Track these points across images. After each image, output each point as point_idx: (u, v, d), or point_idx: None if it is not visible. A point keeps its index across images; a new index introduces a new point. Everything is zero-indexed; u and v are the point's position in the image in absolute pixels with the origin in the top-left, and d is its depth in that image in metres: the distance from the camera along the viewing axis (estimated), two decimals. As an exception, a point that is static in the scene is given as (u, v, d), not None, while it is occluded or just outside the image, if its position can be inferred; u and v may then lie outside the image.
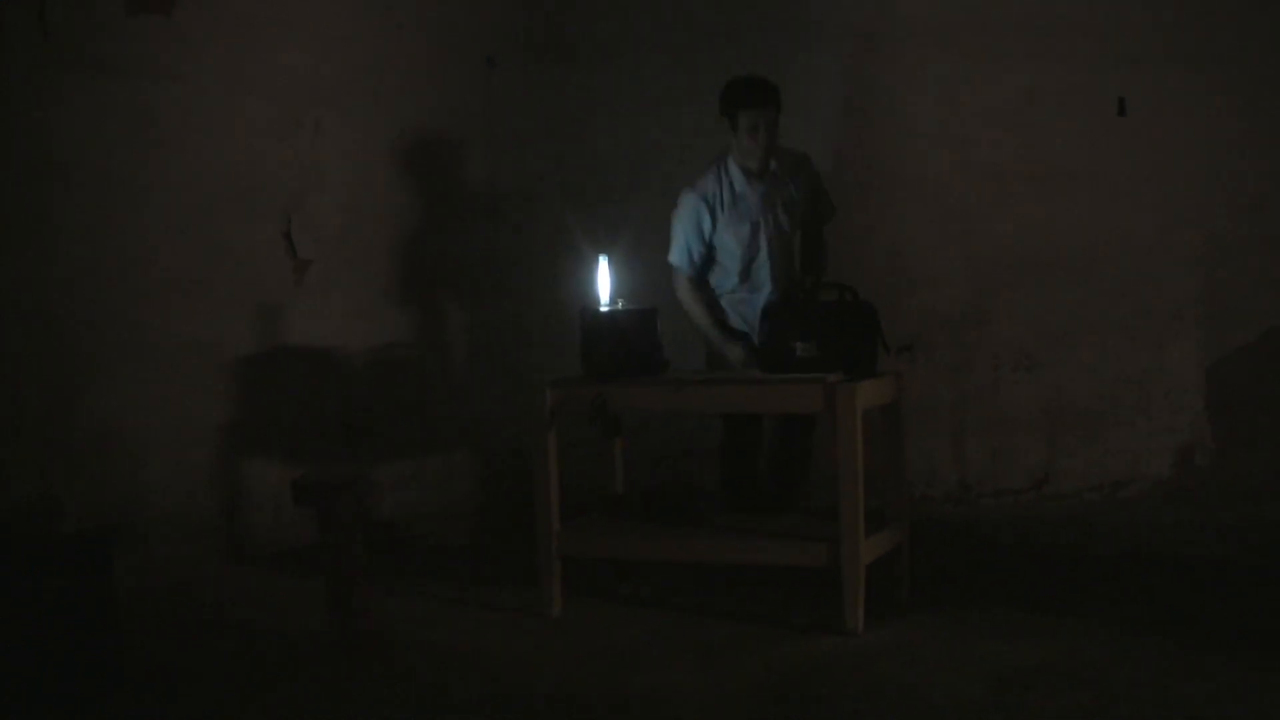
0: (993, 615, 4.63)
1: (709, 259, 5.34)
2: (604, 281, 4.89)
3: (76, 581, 4.11)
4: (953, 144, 6.56)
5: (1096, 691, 3.84)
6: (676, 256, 5.33)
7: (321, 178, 6.23)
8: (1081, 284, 6.57)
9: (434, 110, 6.66)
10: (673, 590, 5.12)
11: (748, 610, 4.81)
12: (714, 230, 5.27)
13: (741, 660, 4.26)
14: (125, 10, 5.51)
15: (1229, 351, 6.55)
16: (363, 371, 6.39)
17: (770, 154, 5.20)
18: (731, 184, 5.25)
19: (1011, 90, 6.55)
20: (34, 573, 4.06)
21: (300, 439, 6.10)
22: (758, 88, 5.14)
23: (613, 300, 4.88)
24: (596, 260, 4.95)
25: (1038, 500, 6.58)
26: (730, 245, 5.27)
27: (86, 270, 5.44)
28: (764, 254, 5.27)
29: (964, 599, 4.86)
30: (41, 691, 4.01)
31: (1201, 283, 6.55)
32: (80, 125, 5.41)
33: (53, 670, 4.04)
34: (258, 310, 6.00)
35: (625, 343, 4.81)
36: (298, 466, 5.93)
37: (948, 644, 4.32)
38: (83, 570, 4.13)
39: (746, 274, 5.30)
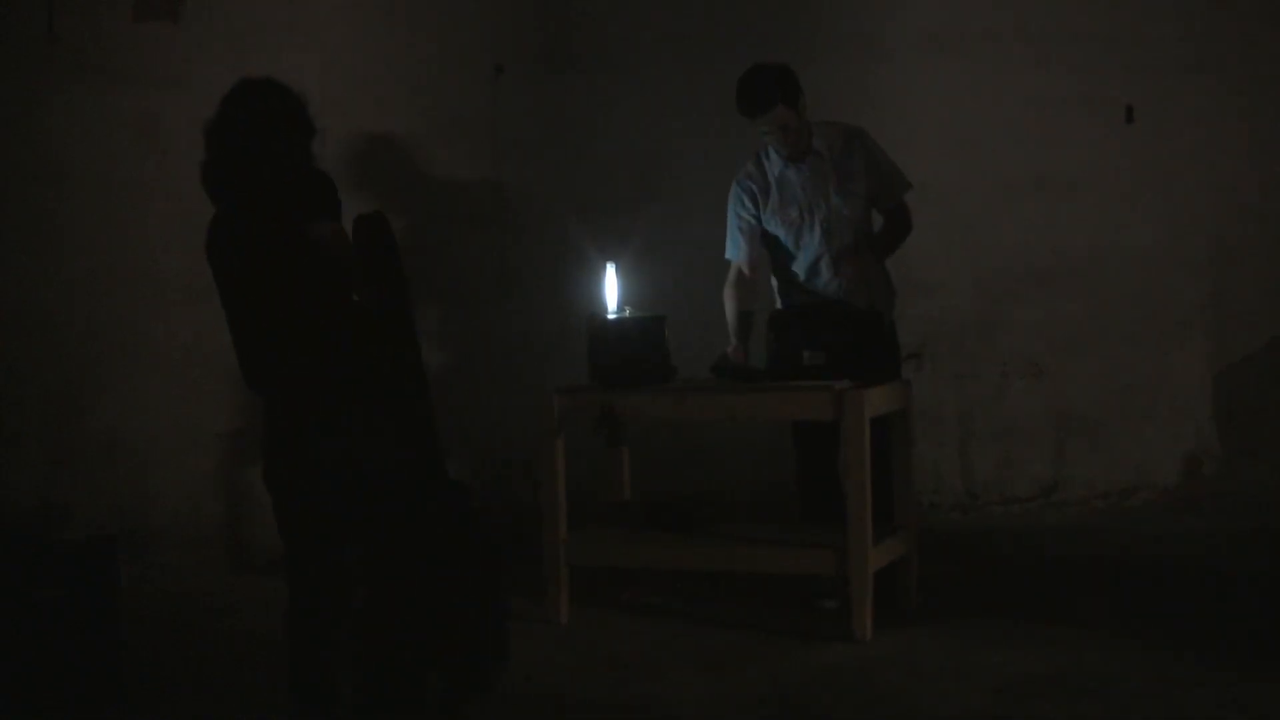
0: (999, 624, 4.62)
1: (766, 246, 5.07)
2: (611, 290, 4.88)
3: (80, 589, 4.10)
4: (959, 152, 6.56)
5: (1102, 701, 3.83)
6: (727, 250, 5.09)
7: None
8: (1088, 292, 6.57)
9: (441, 118, 6.66)
10: (678, 598, 5.11)
11: (753, 619, 4.80)
12: (759, 216, 5.01)
13: (746, 669, 4.25)
14: (132, 18, 5.51)
15: (1236, 359, 6.55)
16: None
17: (797, 146, 4.91)
18: (772, 167, 4.99)
19: (1018, 98, 6.54)
20: (37, 580, 4.06)
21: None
22: (746, 102, 4.85)
23: (619, 308, 4.87)
24: (603, 268, 4.94)
25: (1044, 509, 6.57)
26: (780, 233, 5.00)
27: (91, 277, 5.44)
28: (814, 241, 4.94)
29: (970, 608, 4.85)
30: (44, 698, 4.01)
31: (1208, 291, 6.55)
32: (86, 132, 5.41)
33: (56, 677, 4.04)
34: (263, 318, 5.99)
35: (632, 351, 4.79)
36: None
37: (953, 653, 4.31)
38: (86, 578, 4.13)
39: (803, 261, 4.99)
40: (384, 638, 3.67)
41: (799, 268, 5.01)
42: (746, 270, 5.07)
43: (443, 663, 3.71)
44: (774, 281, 5.13)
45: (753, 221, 5.04)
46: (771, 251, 5.08)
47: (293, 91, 3.58)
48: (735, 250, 5.08)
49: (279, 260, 3.45)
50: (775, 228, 5.02)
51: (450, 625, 3.70)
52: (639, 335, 4.82)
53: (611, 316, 4.85)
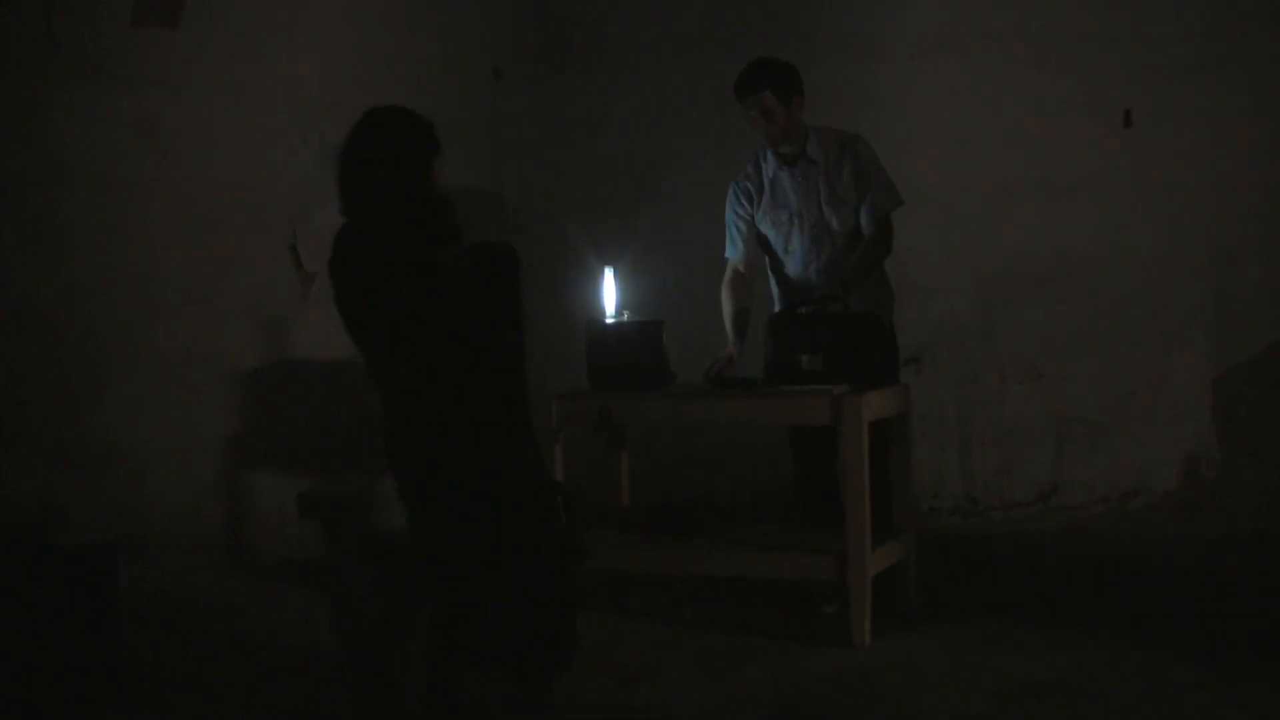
0: (999, 628, 4.62)
1: (763, 247, 5.07)
2: (610, 293, 4.88)
3: (80, 592, 4.11)
4: (959, 153, 6.56)
5: (1102, 704, 3.83)
6: (726, 248, 5.10)
7: (327, 189, 6.21)
8: (1088, 295, 6.57)
9: (440, 119, 6.57)
10: (677, 603, 5.11)
11: (753, 623, 4.80)
12: (753, 215, 5.02)
13: (746, 673, 4.25)
14: (131, 23, 5.51)
15: (1235, 362, 6.55)
16: (368, 384, 6.37)
17: (781, 138, 4.87)
18: (767, 168, 4.99)
19: (1019, 99, 6.54)
20: (38, 582, 4.06)
21: (306, 451, 6.09)
22: (740, 81, 4.85)
23: (619, 312, 4.87)
24: (602, 272, 4.94)
25: (1044, 513, 6.56)
26: (770, 234, 5.01)
27: (91, 280, 5.44)
28: (801, 247, 4.94)
29: (970, 612, 4.84)
30: (44, 698, 4.02)
31: (1208, 293, 6.55)
32: (86, 136, 5.41)
33: (56, 677, 4.04)
34: (263, 322, 6.00)
35: (631, 355, 4.80)
36: (303, 479, 5.92)
37: (953, 657, 4.31)
38: (87, 581, 4.13)
39: (794, 266, 4.98)
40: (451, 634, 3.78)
41: (791, 271, 5.03)
42: (742, 268, 5.08)
43: (509, 661, 3.80)
44: (772, 284, 5.13)
45: (748, 219, 5.06)
46: (768, 253, 5.09)
47: (416, 119, 3.97)
48: (732, 249, 5.10)
49: (399, 280, 3.68)
50: (766, 228, 5.04)
51: (524, 626, 3.75)
52: (638, 339, 4.82)
53: (610, 320, 4.85)
